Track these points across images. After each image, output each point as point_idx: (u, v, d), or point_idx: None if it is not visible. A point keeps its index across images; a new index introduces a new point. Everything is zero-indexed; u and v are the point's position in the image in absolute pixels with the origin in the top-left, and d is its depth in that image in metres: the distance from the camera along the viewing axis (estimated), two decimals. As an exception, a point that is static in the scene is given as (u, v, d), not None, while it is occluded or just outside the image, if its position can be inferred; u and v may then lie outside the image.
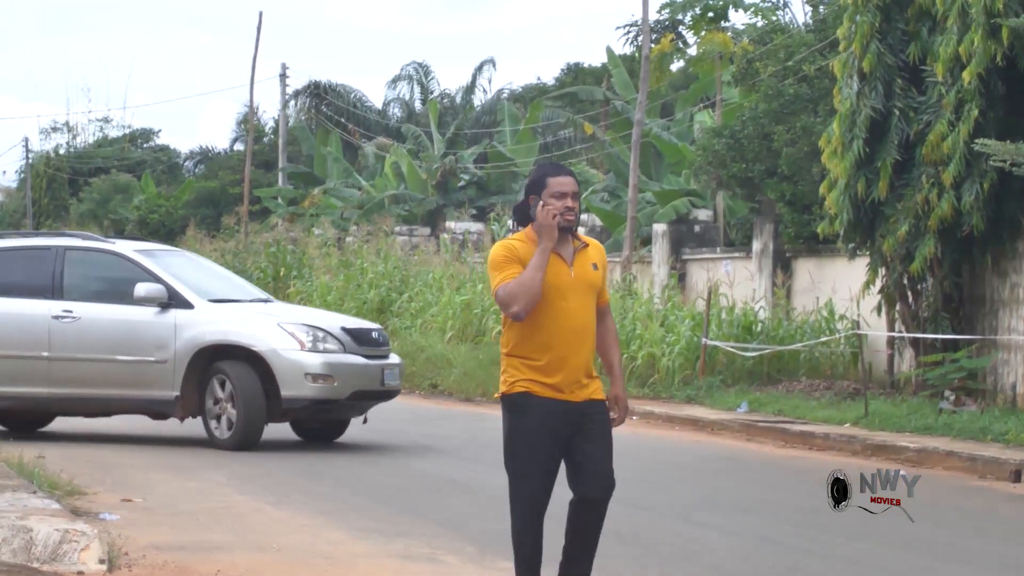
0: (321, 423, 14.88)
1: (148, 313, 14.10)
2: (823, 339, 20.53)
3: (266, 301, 15.32)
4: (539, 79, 54.96)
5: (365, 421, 14.90)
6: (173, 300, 14.10)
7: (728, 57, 30.39)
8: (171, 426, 15.06)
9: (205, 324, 14.05)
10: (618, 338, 6.98)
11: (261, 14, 43.23)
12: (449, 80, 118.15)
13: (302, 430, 15.01)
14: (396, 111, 53.63)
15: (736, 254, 25.09)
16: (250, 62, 45.87)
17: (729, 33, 32.62)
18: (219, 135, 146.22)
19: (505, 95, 51.43)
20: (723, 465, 14.48)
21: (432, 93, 52.80)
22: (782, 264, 23.26)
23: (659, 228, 27.13)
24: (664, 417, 18.42)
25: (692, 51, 36.44)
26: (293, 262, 31.14)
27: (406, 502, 11.01)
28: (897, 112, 17.78)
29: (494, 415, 18.69)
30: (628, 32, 40.41)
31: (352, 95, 52.46)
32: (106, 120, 69.13)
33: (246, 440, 13.77)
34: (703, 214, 28.42)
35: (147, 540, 8.76)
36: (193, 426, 14.66)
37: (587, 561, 6.66)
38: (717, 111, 30.41)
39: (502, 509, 10.49)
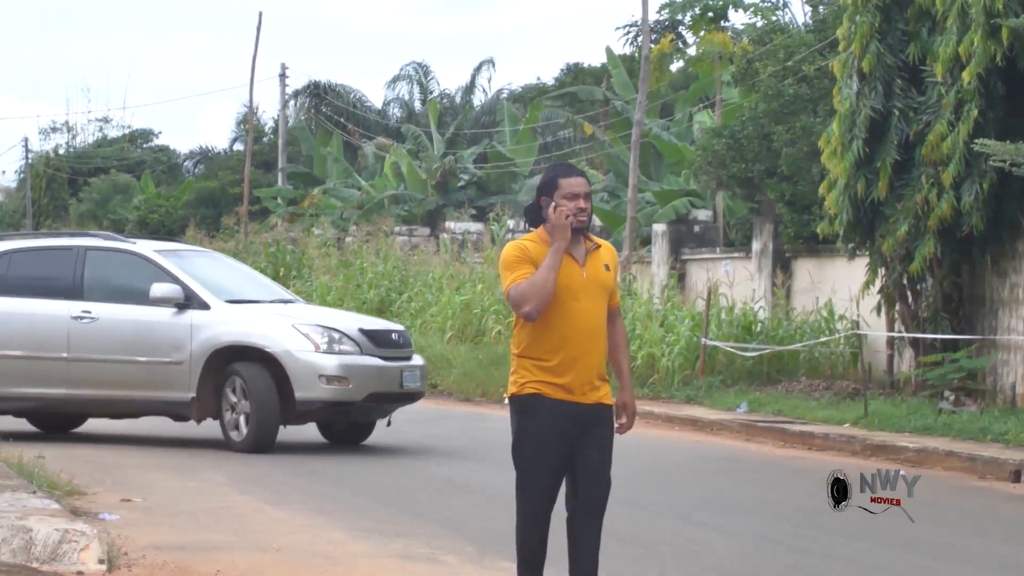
0: (348, 425, 14.73)
1: (165, 314, 14.00)
2: (823, 339, 20.53)
3: (287, 302, 15.09)
4: (539, 79, 55.03)
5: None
6: (190, 301, 13.99)
7: (728, 57, 30.38)
8: (172, 426, 15.04)
9: (221, 325, 13.92)
10: (628, 342, 7.00)
11: (261, 14, 43.21)
12: (449, 80, 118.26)
13: (329, 433, 14.86)
14: (396, 111, 53.63)
15: (736, 254, 25.09)
16: (250, 62, 45.85)
17: (729, 33, 32.62)
18: (219, 135, 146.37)
19: (505, 95, 51.45)
20: (723, 465, 14.48)
21: (432, 93, 52.80)
22: (782, 264, 23.26)
23: (659, 228, 27.13)
24: (664, 417, 18.42)
25: (692, 51, 36.43)
26: (293, 262, 31.12)
27: (406, 502, 11.01)
28: (897, 112, 17.78)
29: (494, 415, 18.72)
30: (628, 32, 40.44)
31: (352, 95, 52.46)
32: (106, 120, 69.10)
33: (259, 442, 13.62)
34: (703, 214, 28.42)
35: (147, 540, 8.76)
36: (194, 426, 14.66)
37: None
38: (717, 111, 30.41)
39: (502, 509, 10.51)
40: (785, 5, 36.12)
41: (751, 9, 32.74)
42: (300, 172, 47.95)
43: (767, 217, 23.91)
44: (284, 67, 51.45)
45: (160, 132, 73.87)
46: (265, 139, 58.67)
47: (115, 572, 7.78)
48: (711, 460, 14.86)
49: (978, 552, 9.84)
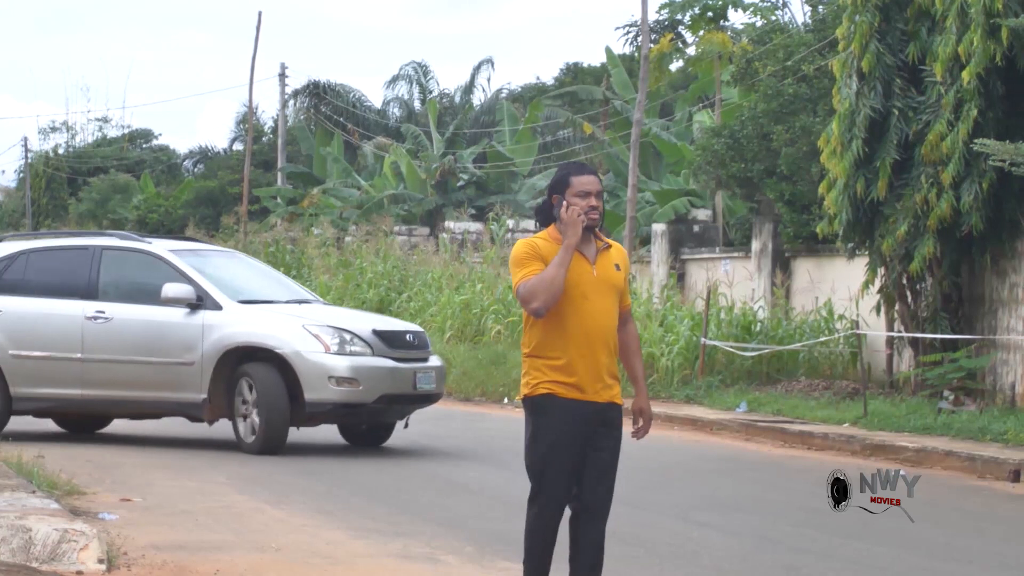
0: (367, 427, 14.65)
1: (177, 314, 13.90)
2: (822, 339, 20.52)
3: (304, 302, 14.89)
4: (538, 79, 55.08)
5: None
6: (202, 301, 13.89)
7: (727, 57, 30.38)
8: (173, 426, 15.05)
9: (232, 325, 13.80)
10: (640, 346, 7.00)
11: (260, 14, 43.13)
12: (448, 80, 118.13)
13: (349, 435, 14.77)
14: (395, 111, 53.61)
15: (735, 254, 25.10)
16: (249, 62, 45.90)
17: (728, 33, 32.60)
18: (218, 135, 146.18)
19: (504, 95, 51.44)
20: (722, 465, 14.47)
21: (431, 93, 52.78)
22: (781, 264, 23.26)
23: (658, 228, 27.13)
24: (663, 417, 18.41)
25: (691, 51, 36.38)
26: (292, 262, 31.13)
27: (406, 502, 11.00)
28: (896, 112, 17.78)
29: (493, 415, 18.73)
30: (627, 32, 40.39)
31: (351, 95, 52.44)
32: (105, 120, 69.29)
33: (269, 444, 13.51)
34: (702, 214, 28.43)
35: (146, 540, 8.76)
36: (199, 427, 14.66)
37: None
38: (716, 111, 30.42)
39: (502, 509, 10.51)
40: (784, 5, 36.10)
41: (750, 9, 32.71)
42: (300, 172, 47.94)
43: (766, 217, 23.92)
44: (284, 67, 51.49)
45: (160, 132, 73.91)
46: (265, 139, 58.67)
47: (114, 572, 7.78)
48: (710, 460, 14.85)
49: (978, 552, 9.84)
